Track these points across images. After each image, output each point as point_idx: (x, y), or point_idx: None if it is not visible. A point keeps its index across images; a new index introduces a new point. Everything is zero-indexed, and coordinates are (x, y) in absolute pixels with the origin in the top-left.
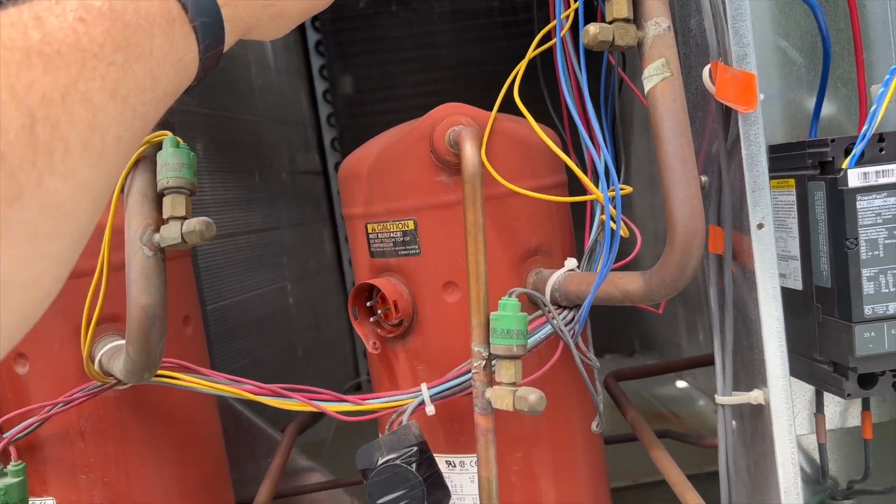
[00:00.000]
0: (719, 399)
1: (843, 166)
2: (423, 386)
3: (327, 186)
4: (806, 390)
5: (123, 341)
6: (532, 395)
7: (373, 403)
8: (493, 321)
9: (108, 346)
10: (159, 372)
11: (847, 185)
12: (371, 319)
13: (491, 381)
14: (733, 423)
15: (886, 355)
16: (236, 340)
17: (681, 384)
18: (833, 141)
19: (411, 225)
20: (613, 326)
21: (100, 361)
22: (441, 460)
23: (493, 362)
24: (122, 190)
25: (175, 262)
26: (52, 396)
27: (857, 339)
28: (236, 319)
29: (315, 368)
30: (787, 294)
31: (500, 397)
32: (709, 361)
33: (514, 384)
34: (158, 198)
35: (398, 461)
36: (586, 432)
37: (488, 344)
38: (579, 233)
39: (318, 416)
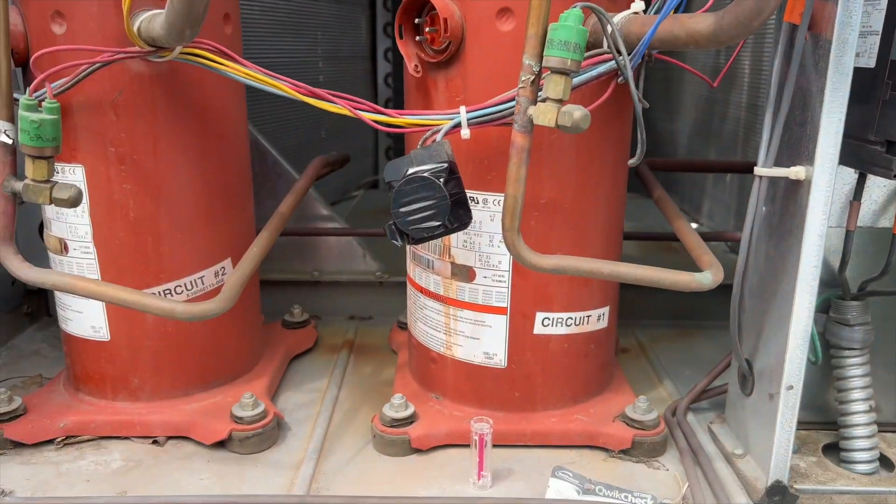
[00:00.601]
0: (759, 170)
1: None
2: (462, 108)
3: None
4: (843, 184)
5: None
6: (577, 112)
7: (410, 119)
8: (552, 31)
9: (148, 12)
10: (197, 52)
11: None
12: (416, 39)
13: (536, 99)
14: (763, 207)
15: None
16: (263, 101)
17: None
18: None
19: None
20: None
21: (139, 28)
22: None
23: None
24: None
25: None
26: (87, 59)
27: None
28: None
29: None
30: (854, 74)
31: (544, 113)
32: (748, 167)
33: (560, 101)
34: None
35: (427, 174)
36: (611, 193)
37: (541, 58)
38: None
39: (344, 161)
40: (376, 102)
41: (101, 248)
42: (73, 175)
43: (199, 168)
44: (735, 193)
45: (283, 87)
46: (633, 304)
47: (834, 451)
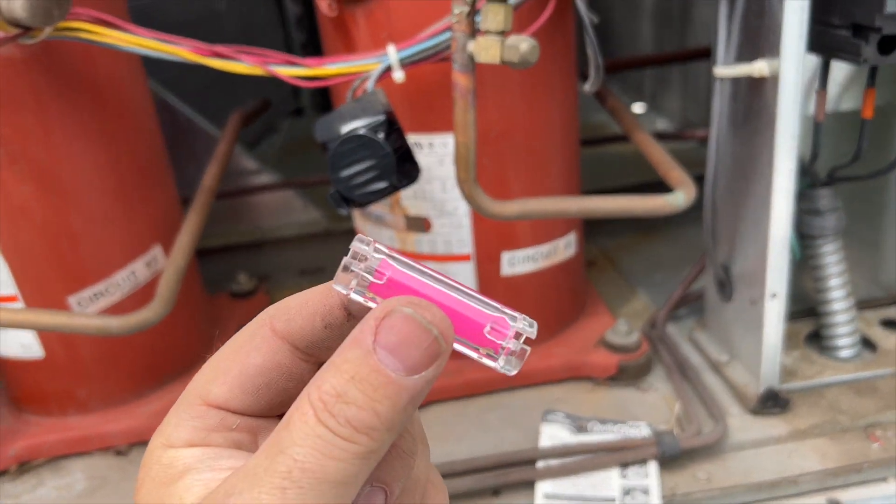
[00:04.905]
0: (719, 71)
1: None
2: (391, 48)
3: None
4: (804, 71)
5: None
6: (524, 44)
7: (331, 68)
8: None
9: None
10: (74, 25)
11: None
12: None
13: (474, 33)
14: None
15: None
16: None
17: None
18: None
19: None
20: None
21: None
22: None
23: (477, 18)
24: None
25: None
26: None
27: None
28: (159, 20)
29: (250, 86)
30: None
31: (486, 48)
32: (696, 54)
33: (502, 33)
34: None
35: (363, 131)
36: (562, 115)
37: None
38: None
39: (264, 107)
40: (290, 50)
41: (11, 260)
42: None
43: (104, 152)
44: (676, 69)
45: (180, 51)
46: None
47: (815, 339)
